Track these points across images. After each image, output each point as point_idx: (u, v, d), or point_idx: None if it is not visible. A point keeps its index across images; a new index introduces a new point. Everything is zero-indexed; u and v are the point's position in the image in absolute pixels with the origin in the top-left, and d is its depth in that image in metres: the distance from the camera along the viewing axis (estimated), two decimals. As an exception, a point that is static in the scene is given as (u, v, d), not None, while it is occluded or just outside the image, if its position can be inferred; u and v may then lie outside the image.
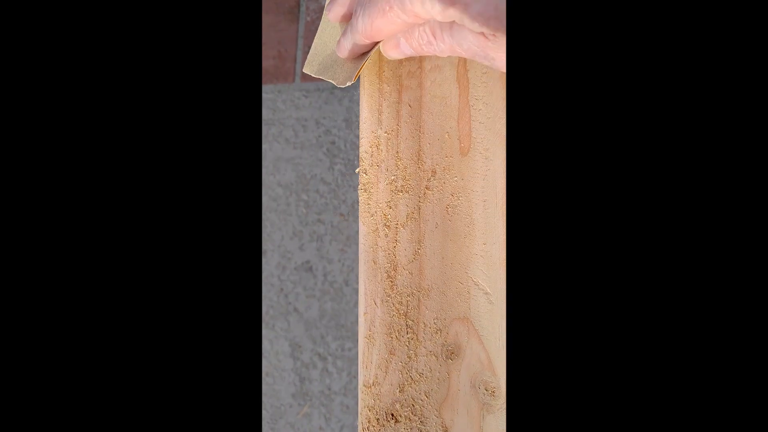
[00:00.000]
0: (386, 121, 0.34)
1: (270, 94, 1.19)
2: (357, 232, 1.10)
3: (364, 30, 0.30)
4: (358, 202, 1.10)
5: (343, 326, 1.06)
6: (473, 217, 0.32)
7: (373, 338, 0.33)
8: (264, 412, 1.08)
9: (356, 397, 1.04)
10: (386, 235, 0.33)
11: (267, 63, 1.22)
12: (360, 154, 0.34)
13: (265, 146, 1.17)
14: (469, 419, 0.31)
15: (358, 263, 1.08)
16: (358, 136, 1.13)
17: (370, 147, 0.34)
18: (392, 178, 0.33)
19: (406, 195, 0.33)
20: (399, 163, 0.33)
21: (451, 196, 0.33)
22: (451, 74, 0.33)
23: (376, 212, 0.34)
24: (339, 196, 1.11)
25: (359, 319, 0.34)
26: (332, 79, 0.34)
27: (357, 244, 1.10)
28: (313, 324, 1.08)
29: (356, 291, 1.07)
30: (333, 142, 1.13)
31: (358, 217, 1.10)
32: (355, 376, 1.04)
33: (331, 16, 0.34)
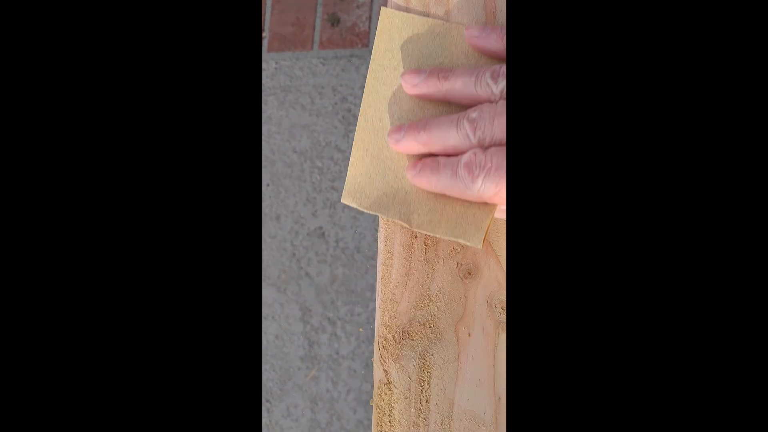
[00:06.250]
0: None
1: (287, 61, 1.19)
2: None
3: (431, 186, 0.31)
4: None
5: (353, 292, 1.07)
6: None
7: (391, 257, 0.33)
8: (273, 374, 1.09)
9: (363, 362, 1.05)
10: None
11: (285, 30, 1.22)
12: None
13: (281, 113, 1.17)
14: (485, 337, 0.32)
15: (369, 231, 1.08)
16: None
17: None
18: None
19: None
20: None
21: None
22: None
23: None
24: (353, 164, 1.12)
25: (379, 240, 0.34)
26: (404, 221, 0.32)
27: (369, 213, 1.11)
28: (323, 289, 1.09)
29: (367, 258, 1.08)
30: (349, 110, 1.14)
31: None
32: (363, 341, 1.05)
33: (400, 147, 0.32)
